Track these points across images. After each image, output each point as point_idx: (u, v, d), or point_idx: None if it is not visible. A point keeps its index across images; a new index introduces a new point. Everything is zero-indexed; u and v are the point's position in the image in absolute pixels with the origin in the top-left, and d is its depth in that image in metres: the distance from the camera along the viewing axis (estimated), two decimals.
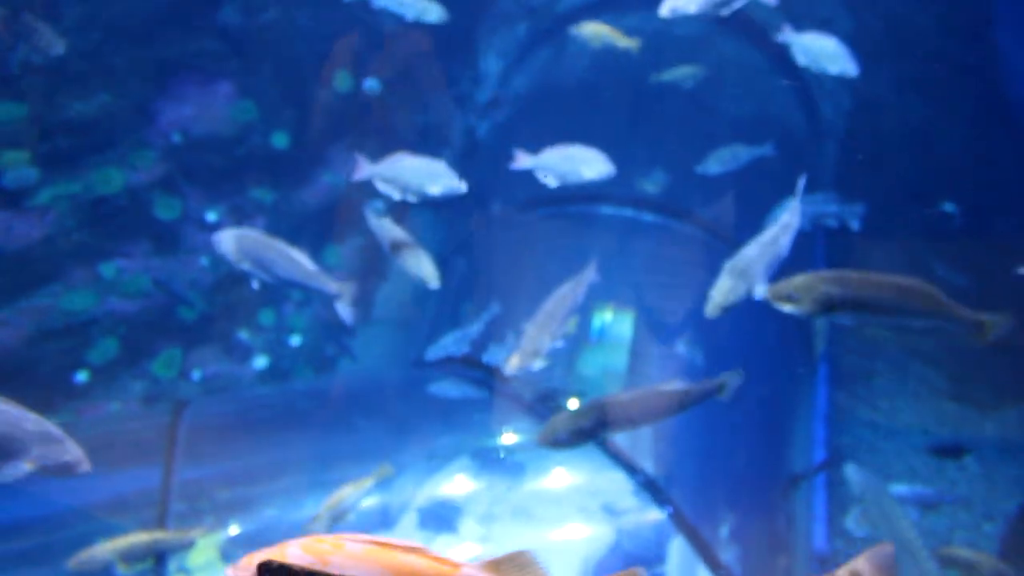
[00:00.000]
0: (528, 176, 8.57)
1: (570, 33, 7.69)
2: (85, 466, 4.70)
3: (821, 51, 6.91)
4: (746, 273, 5.75)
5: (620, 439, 7.85)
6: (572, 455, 7.33)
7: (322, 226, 8.77)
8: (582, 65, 8.67)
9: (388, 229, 7.09)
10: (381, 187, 6.65)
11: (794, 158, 8.96)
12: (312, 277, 6.29)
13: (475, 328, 8.71)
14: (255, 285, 6.30)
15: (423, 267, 6.92)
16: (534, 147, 8.46)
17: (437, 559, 2.52)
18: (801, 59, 6.95)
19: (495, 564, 2.57)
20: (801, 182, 6.07)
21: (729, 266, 5.77)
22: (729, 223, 8.79)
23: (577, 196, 8.74)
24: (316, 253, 8.68)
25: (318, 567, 2.45)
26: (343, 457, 7.37)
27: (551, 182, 6.93)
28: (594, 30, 7.72)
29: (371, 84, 8.77)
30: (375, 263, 9.07)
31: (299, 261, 6.29)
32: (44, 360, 7.55)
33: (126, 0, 7.98)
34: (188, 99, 8.17)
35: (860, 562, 3.43)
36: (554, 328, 6.73)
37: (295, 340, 8.60)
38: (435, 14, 7.71)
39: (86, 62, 7.84)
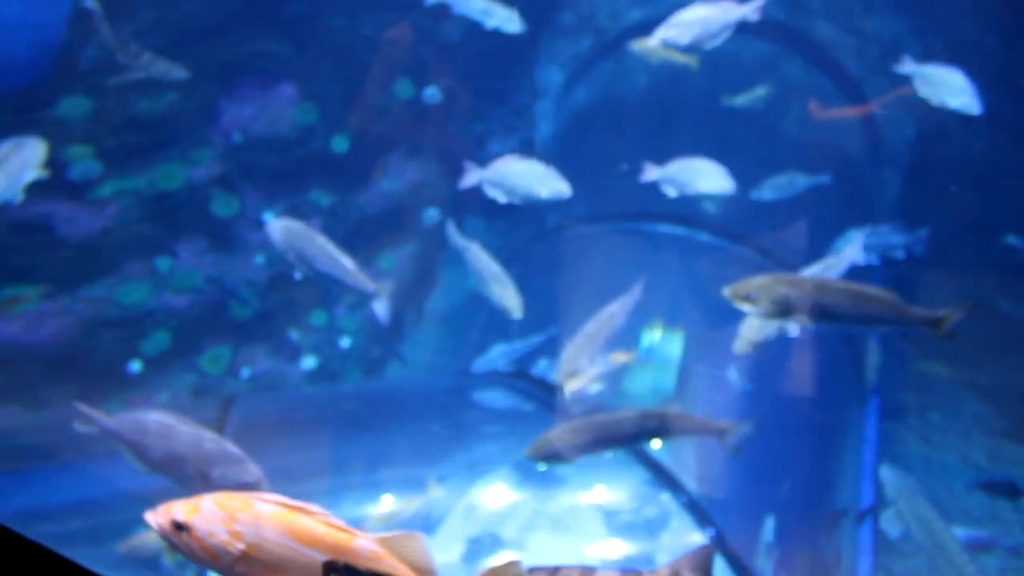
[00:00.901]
0: (585, 190, 8.57)
1: (628, 48, 7.70)
2: (264, 485, 4.76)
3: (945, 84, 6.80)
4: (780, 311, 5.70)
5: (663, 456, 7.78)
6: (615, 471, 7.29)
7: (378, 231, 8.84)
8: (644, 81, 8.65)
9: (477, 255, 7.15)
10: (489, 192, 6.74)
11: (855, 185, 8.86)
12: (351, 275, 6.42)
13: (526, 342, 8.71)
14: (297, 276, 6.42)
15: (507, 298, 6.95)
16: (592, 161, 8.47)
17: (335, 526, 2.66)
18: (923, 91, 6.85)
19: (387, 540, 2.70)
20: (859, 236, 6.04)
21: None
22: (787, 248, 8.71)
23: (632, 213, 8.70)
24: (371, 257, 8.75)
25: (227, 522, 2.59)
26: (386, 460, 7.39)
27: (671, 192, 6.95)
28: (651, 46, 7.70)
29: (431, 92, 8.82)
30: (428, 270, 9.11)
31: (339, 259, 6.41)
32: (99, 348, 7.67)
33: (196, 3, 8.12)
34: (251, 99, 8.28)
35: (681, 562, 3.65)
36: (595, 349, 6.72)
37: (345, 342, 8.65)
38: (516, 24, 7.76)
39: (156, 60, 7.97)
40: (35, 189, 7.11)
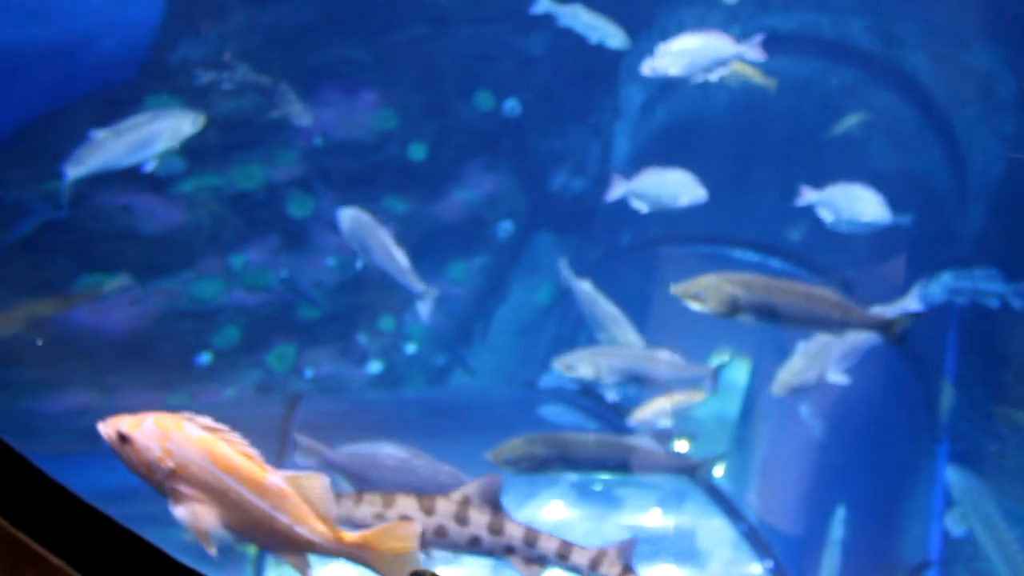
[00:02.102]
0: (662, 211, 8.49)
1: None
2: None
3: None
4: (820, 357, 5.67)
5: (724, 484, 7.66)
6: (673, 496, 7.20)
7: (451, 240, 8.87)
8: (725, 104, 8.57)
9: (590, 295, 7.12)
10: (634, 203, 6.78)
11: (939, 219, 8.66)
12: (403, 272, 6.62)
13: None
14: (358, 265, 6.55)
15: (626, 336, 6.92)
16: None
17: (252, 459, 2.90)
18: None
19: (293, 479, 2.96)
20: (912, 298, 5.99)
21: (804, 347, 5.71)
22: (863, 281, 8.55)
23: (707, 236, 8.62)
24: (442, 266, 8.78)
25: (161, 440, 2.83)
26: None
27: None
28: (730, 66, 7.65)
29: (511, 105, 8.84)
30: (499, 282, 9.12)
31: (395, 255, 6.62)
32: (169, 340, 7.82)
33: (285, 8, 8.26)
34: (332, 104, 8.38)
35: (470, 488, 4.02)
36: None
37: (411, 348, 8.69)
38: (619, 40, 7.75)
39: (244, 64, 8.12)
40: (117, 181, 7.30)
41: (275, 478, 2.93)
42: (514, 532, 4.11)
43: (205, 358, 7.93)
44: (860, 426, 8.33)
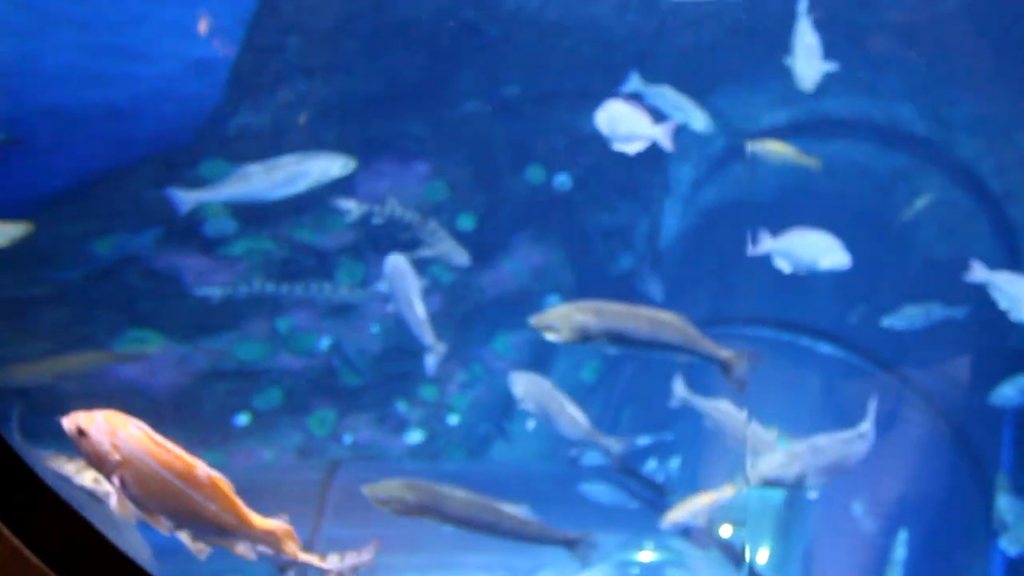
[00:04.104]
0: (708, 290, 8.45)
1: (749, 148, 7.67)
2: None
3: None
4: (801, 459, 5.67)
5: (767, 571, 7.48)
6: None
7: (497, 312, 8.87)
8: (774, 185, 8.57)
9: (727, 414, 7.08)
10: (777, 263, 6.84)
11: (991, 307, 8.52)
12: (418, 324, 6.83)
13: (636, 439, 8.56)
14: (389, 308, 6.65)
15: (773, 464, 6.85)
16: (717, 262, 8.35)
17: (181, 458, 3.31)
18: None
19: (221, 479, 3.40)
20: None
21: (793, 445, 5.72)
22: (915, 366, 8.43)
23: (755, 319, 8.56)
24: (487, 338, 8.76)
25: (110, 435, 3.23)
26: (481, 543, 7.29)
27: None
28: (773, 147, 7.66)
29: (562, 180, 8.90)
30: (545, 356, 9.07)
31: (415, 305, 6.85)
32: (210, 399, 7.84)
33: (343, 80, 8.44)
34: (386, 174, 8.49)
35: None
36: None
37: (453, 419, 8.64)
38: (702, 122, 7.79)
39: (300, 134, 8.28)
40: (169, 241, 7.42)
41: (205, 470, 3.37)
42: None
43: (243, 419, 7.94)
44: (914, 522, 8.14)
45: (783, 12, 8.00)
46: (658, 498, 8.32)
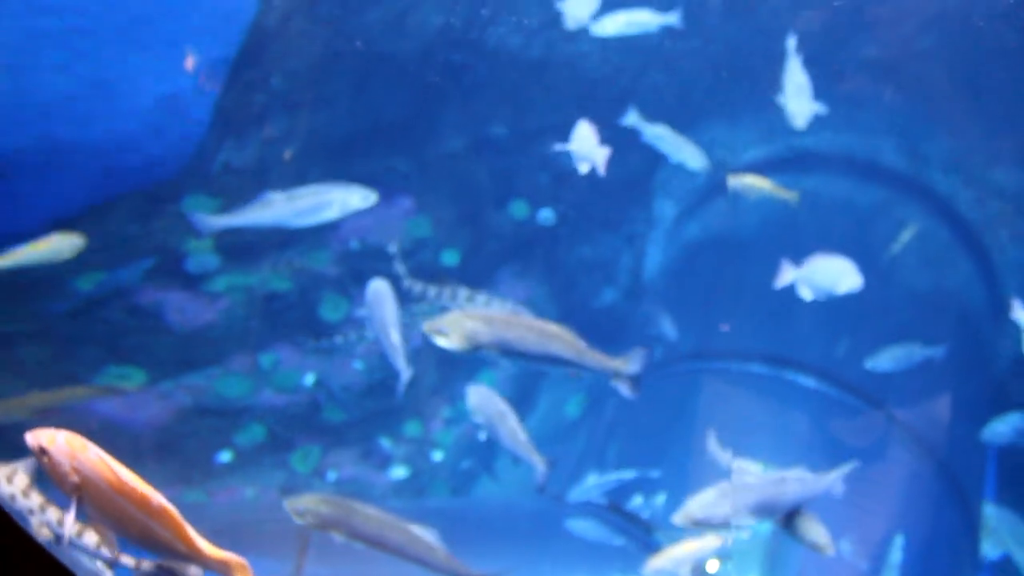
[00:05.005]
0: (691, 325, 8.46)
1: (729, 183, 7.72)
2: None
3: None
4: (730, 497, 5.64)
5: None
6: None
7: None
8: (756, 220, 8.62)
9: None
10: (800, 291, 6.89)
11: (973, 338, 8.56)
12: (392, 348, 6.90)
13: (621, 475, 8.54)
14: (368, 336, 6.66)
15: (817, 535, 6.79)
16: (700, 296, 8.38)
17: (136, 486, 3.39)
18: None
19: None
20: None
21: (723, 484, 5.69)
22: (899, 400, 8.44)
23: (737, 353, 8.56)
24: (472, 374, 8.73)
25: (71, 456, 3.35)
26: None
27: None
28: (752, 181, 7.71)
29: (545, 215, 8.93)
30: (528, 392, 9.05)
31: (391, 331, 6.87)
32: (193, 436, 7.78)
33: (326, 117, 8.45)
34: (370, 210, 8.49)
35: None
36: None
37: (437, 456, 8.60)
38: (699, 161, 7.83)
39: (285, 168, 8.28)
40: (152, 276, 7.39)
41: (158, 500, 3.47)
42: None
43: (226, 456, 7.87)
44: (900, 557, 8.12)
45: (763, 49, 8.10)
46: (643, 533, 8.28)
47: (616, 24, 7.44)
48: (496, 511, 8.70)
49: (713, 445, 7.28)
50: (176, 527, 3.52)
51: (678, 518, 5.63)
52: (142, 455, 7.50)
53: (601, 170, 6.84)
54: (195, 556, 3.62)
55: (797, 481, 5.88)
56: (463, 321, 5.38)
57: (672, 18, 7.48)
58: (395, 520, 5.72)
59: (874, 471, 8.32)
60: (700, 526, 5.73)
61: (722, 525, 5.75)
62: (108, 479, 3.39)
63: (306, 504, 5.70)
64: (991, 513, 7.47)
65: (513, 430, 6.90)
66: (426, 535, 5.67)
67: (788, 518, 6.09)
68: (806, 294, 6.99)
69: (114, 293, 7.54)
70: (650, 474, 8.68)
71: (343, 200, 6.73)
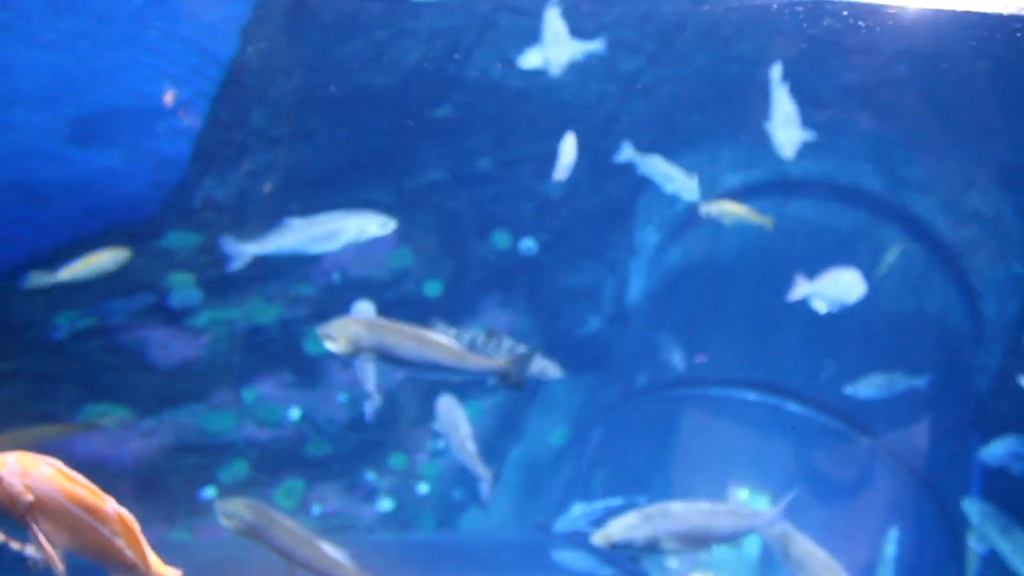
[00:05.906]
0: (679, 353, 8.45)
1: (703, 210, 7.74)
2: None
3: None
4: (653, 521, 5.61)
5: None
6: None
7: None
8: (737, 245, 8.65)
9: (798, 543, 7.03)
10: (814, 304, 6.98)
11: (953, 359, 8.59)
12: (363, 372, 7.05)
13: (607, 504, 8.50)
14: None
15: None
16: (684, 322, 8.38)
17: (92, 493, 3.33)
18: None
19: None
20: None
21: (647, 509, 5.66)
22: (886, 428, 8.44)
23: (724, 379, 8.55)
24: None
25: (22, 476, 3.27)
26: None
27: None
28: (727, 207, 7.73)
29: (528, 245, 8.94)
30: (513, 422, 9.03)
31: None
32: (176, 473, 7.71)
33: (307, 150, 8.46)
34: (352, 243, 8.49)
35: None
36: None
37: (423, 488, 8.56)
38: (693, 193, 7.85)
39: (265, 204, 8.27)
40: (134, 314, 7.34)
41: (114, 506, 3.41)
42: None
43: (210, 492, 7.81)
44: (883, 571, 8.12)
45: (743, 76, 8.16)
46: (630, 563, 8.23)
47: (538, 58, 7.50)
48: (483, 542, 8.64)
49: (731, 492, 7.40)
50: (130, 534, 3.47)
51: (597, 538, 5.63)
52: (124, 493, 7.43)
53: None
54: (141, 568, 3.56)
55: (729, 514, 5.87)
56: (349, 326, 5.41)
57: (596, 45, 7.54)
58: (310, 535, 5.73)
59: (857, 495, 8.34)
60: (618, 549, 5.71)
61: (643, 549, 5.72)
62: (64, 489, 3.32)
63: (233, 507, 5.70)
64: (971, 509, 7.53)
65: (462, 440, 7.15)
66: (336, 553, 5.69)
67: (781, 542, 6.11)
68: (820, 307, 7.08)
69: (93, 330, 7.49)
70: (636, 501, 8.64)
71: (360, 226, 6.77)
